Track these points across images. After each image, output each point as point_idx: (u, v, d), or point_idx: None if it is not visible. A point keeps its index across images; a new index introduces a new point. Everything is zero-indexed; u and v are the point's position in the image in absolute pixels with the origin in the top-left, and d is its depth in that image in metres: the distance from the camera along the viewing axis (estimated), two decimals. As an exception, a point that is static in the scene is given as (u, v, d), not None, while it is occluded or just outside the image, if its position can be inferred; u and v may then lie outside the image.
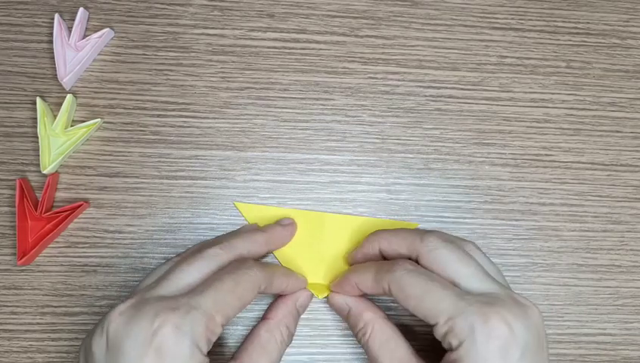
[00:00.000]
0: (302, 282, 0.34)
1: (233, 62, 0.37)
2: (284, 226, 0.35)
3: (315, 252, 0.35)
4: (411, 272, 0.29)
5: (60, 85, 0.36)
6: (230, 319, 0.28)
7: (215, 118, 0.36)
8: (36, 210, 0.34)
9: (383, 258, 0.32)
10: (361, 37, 0.38)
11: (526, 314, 0.28)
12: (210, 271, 0.29)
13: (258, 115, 0.37)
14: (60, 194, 0.35)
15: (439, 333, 0.28)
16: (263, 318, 0.32)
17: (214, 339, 0.28)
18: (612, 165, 0.38)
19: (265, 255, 0.35)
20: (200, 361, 0.26)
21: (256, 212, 0.36)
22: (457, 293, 0.28)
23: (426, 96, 0.38)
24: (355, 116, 0.37)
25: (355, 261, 0.34)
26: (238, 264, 0.30)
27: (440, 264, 0.29)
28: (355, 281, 0.32)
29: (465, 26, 0.38)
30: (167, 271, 0.29)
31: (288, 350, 0.35)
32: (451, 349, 0.27)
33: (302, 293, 0.34)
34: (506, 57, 0.38)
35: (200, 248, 0.31)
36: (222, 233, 0.36)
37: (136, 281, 0.35)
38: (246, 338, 0.31)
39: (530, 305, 0.28)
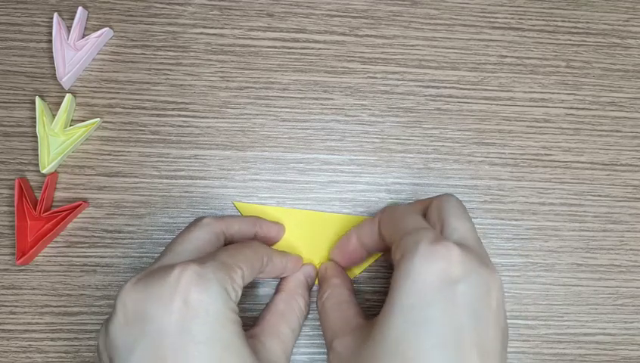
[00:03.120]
0: (299, 260, 0.34)
1: (232, 61, 0.37)
2: (274, 222, 0.35)
3: (313, 250, 0.35)
4: (399, 206, 0.31)
5: (59, 84, 0.36)
6: (246, 278, 0.28)
7: (214, 117, 0.36)
8: (35, 210, 0.34)
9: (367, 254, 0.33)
10: (361, 36, 0.38)
11: (487, 271, 0.26)
12: (207, 239, 0.29)
13: (257, 114, 0.37)
14: (59, 194, 0.35)
15: (392, 251, 0.27)
16: (276, 292, 0.33)
17: (239, 291, 0.27)
18: (612, 164, 0.38)
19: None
20: (232, 308, 0.26)
21: (255, 212, 0.36)
22: (423, 224, 0.28)
23: (425, 96, 0.38)
24: (354, 116, 0.37)
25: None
26: (240, 242, 0.31)
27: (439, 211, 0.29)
28: (355, 234, 0.32)
29: (465, 25, 0.38)
30: (165, 247, 0.29)
31: (288, 350, 0.35)
32: (396, 268, 0.26)
33: (306, 266, 0.34)
34: (506, 56, 0.38)
35: (195, 220, 0.31)
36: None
37: (135, 281, 0.35)
38: (264, 310, 0.32)
39: (494, 271, 0.26)
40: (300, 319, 0.32)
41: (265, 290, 0.35)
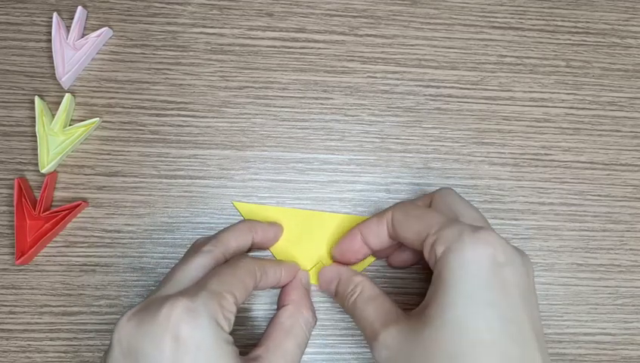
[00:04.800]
0: (295, 268, 0.34)
1: (232, 61, 0.37)
2: (270, 223, 0.35)
3: (312, 250, 0.35)
4: (408, 204, 0.31)
5: (59, 84, 0.35)
6: (239, 301, 0.28)
7: (214, 117, 0.36)
8: (35, 210, 0.34)
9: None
10: (361, 36, 0.38)
11: (520, 253, 0.28)
12: (207, 265, 0.29)
13: (257, 114, 0.37)
14: (58, 194, 0.35)
15: (427, 245, 0.28)
16: (279, 306, 0.32)
17: (232, 318, 0.27)
18: (611, 164, 0.38)
19: (251, 249, 0.35)
20: (224, 339, 0.26)
21: (254, 212, 0.36)
22: (453, 217, 0.29)
23: (425, 95, 0.38)
24: (354, 116, 0.37)
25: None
26: (232, 259, 0.30)
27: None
28: (360, 230, 0.32)
29: (465, 25, 0.38)
30: (166, 275, 0.29)
31: (287, 350, 0.35)
32: (435, 260, 0.27)
33: (302, 274, 0.34)
34: (506, 56, 0.38)
35: (195, 247, 0.31)
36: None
37: (135, 281, 0.35)
38: (269, 328, 0.31)
39: (525, 253, 0.29)
40: (308, 333, 0.31)
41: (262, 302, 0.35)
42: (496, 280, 0.26)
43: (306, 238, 0.35)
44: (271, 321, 0.31)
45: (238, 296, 0.28)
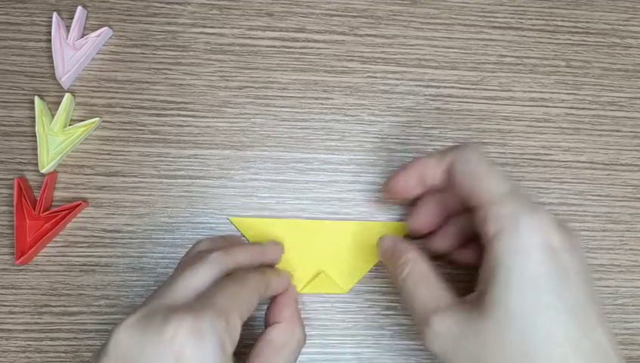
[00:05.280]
0: (289, 278, 0.33)
1: (232, 61, 0.37)
2: (275, 244, 0.34)
3: (312, 260, 0.35)
4: (478, 152, 0.29)
5: (59, 84, 0.35)
6: (244, 319, 0.27)
7: (214, 117, 0.36)
8: (34, 209, 0.34)
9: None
10: (361, 36, 0.38)
11: (573, 235, 0.27)
12: (214, 275, 0.28)
13: (257, 114, 0.37)
14: (58, 194, 0.35)
15: (479, 216, 0.27)
16: (270, 322, 0.31)
17: (237, 335, 0.26)
18: (611, 164, 0.38)
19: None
20: (227, 361, 0.25)
21: (252, 226, 0.35)
22: (514, 187, 0.27)
23: (425, 95, 0.38)
24: (354, 115, 0.37)
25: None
26: (239, 272, 0.29)
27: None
28: (417, 169, 0.31)
29: (465, 25, 0.38)
30: (170, 279, 0.28)
31: (287, 350, 0.35)
32: (487, 240, 0.26)
33: (292, 289, 0.33)
34: (505, 56, 0.38)
35: (200, 253, 0.29)
36: (221, 232, 0.35)
37: (135, 281, 0.35)
38: (258, 343, 0.29)
39: (572, 230, 0.28)
40: (298, 352, 0.30)
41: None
42: (557, 268, 0.25)
43: (306, 248, 0.35)
44: (262, 337, 0.30)
45: (245, 314, 0.27)
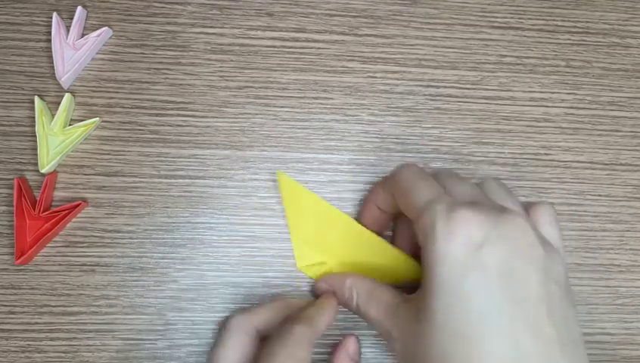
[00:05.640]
0: (335, 306, 0.33)
1: (232, 61, 0.37)
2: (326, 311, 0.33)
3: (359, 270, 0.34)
4: (410, 168, 0.30)
5: (59, 83, 0.35)
6: None
7: (213, 117, 0.36)
8: (34, 209, 0.34)
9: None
10: (361, 36, 0.38)
11: (501, 219, 0.26)
12: (305, 357, 0.28)
13: (257, 114, 0.37)
14: (58, 194, 0.35)
15: (415, 231, 0.28)
16: None
17: None
18: (611, 164, 0.38)
19: None
20: None
21: (293, 191, 0.34)
22: (437, 193, 0.28)
23: (425, 95, 0.38)
24: (354, 115, 0.37)
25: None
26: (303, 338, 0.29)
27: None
28: (371, 202, 0.33)
29: (464, 25, 0.38)
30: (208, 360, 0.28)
31: (287, 350, 0.35)
32: (423, 249, 0.27)
33: (351, 342, 0.33)
34: (505, 56, 0.38)
35: (285, 330, 0.29)
36: (221, 233, 0.36)
37: (135, 281, 0.35)
38: None
39: (513, 215, 0.27)
40: None
41: (264, 290, 0.35)
42: (472, 266, 0.25)
43: (357, 257, 0.34)
44: None
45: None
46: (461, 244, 0.26)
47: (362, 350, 0.35)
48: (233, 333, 0.29)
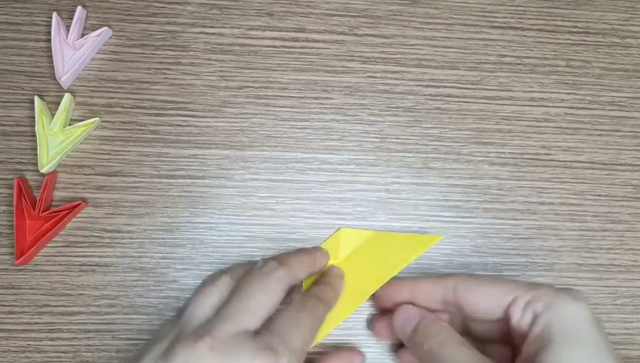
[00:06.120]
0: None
1: (232, 61, 0.37)
2: (322, 252, 0.35)
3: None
4: (474, 274, 0.32)
5: (58, 83, 0.35)
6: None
7: (213, 117, 0.36)
8: (34, 209, 0.34)
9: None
10: (361, 36, 0.38)
11: (582, 300, 0.29)
12: (282, 294, 0.29)
13: (257, 114, 0.37)
14: (58, 193, 0.35)
15: (518, 306, 0.29)
16: None
17: None
18: (611, 164, 0.38)
19: None
20: None
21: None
22: (526, 283, 0.30)
23: (425, 95, 0.38)
24: (354, 115, 0.37)
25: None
26: (308, 300, 0.31)
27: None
28: (410, 287, 0.32)
29: (464, 25, 0.38)
30: (241, 296, 0.29)
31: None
32: (533, 317, 0.29)
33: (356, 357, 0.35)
34: (505, 56, 0.38)
35: (262, 268, 0.30)
36: (221, 233, 0.36)
37: (135, 280, 0.35)
38: None
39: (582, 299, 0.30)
40: None
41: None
42: (599, 334, 0.28)
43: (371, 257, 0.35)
44: None
45: (308, 348, 0.29)
46: (588, 311, 0.28)
47: (362, 350, 0.35)
48: (278, 284, 0.29)
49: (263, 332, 0.28)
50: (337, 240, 0.36)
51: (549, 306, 0.28)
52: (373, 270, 0.34)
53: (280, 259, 0.31)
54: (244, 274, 0.30)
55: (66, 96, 0.35)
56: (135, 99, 0.36)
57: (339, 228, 0.36)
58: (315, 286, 0.33)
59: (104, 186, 0.36)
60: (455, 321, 0.32)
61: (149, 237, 0.35)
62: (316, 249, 0.35)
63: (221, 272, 0.31)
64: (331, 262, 0.35)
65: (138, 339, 0.35)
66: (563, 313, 0.28)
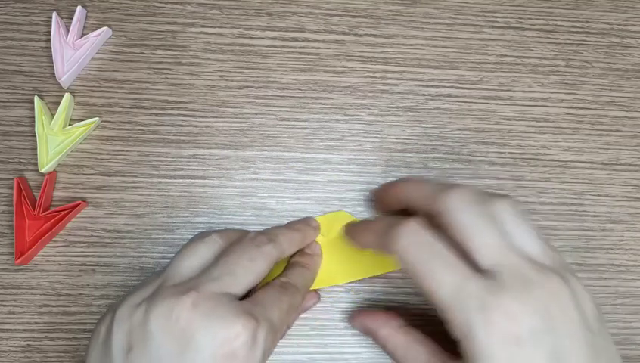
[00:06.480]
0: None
1: (231, 61, 0.37)
2: (313, 226, 0.35)
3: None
4: (415, 245, 0.26)
5: (58, 83, 0.35)
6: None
7: (213, 117, 0.36)
8: (34, 209, 0.34)
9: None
10: (360, 36, 0.38)
11: (534, 296, 0.24)
12: (269, 267, 0.30)
13: (256, 114, 0.37)
14: (57, 193, 0.35)
15: (441, 317, 0.25)
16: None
17: (274, 349, 0.29)
18: (611, 164, 0.38)
19: None
20: None
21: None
22: (460, 278, 0.25)
23: (425, 95, 0.38)
24: (354, 115, 0.37)
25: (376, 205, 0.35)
26: (287, 287, 0.31)
27: (455, 228, 0.26)
28: (361, 242, 0.32)
29: (464, 24, 0.38)
30: (229, 261, 0.29)
31: (287, 350, 0.35)
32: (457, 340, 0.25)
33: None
34: (505, 55, 0.38)
35: (255, 240, 0.30)
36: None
37: (134, 280, 0.35)
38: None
39: (544, 280, 0.25)
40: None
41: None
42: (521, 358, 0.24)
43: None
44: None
45: (282, 330, 0.29)
46: (505, 337, 0.24)
47: (362, 350, 0.35)
48: (266, 258, 0.30)
49: (246, 300, 0.28)
50: (334, 219, 0.35)
51: (468, 331, 0.24)
52: (356, 260, 0.35)
53: (271, 234, 0.31)
54: (236, 240, 0.30)
55: (66, 96, 0.35)
56: (135, 99, 0.36)
57: (340, 210, 0.36)
58: (296, 270, 0.33)
59: (104, 186, 0.36)
60: None
61: (149, 237, 0.35)
62: (307, 223, 0.35)
63: (212, 232, 0.31)
64: (320, 238, 0.35)
65: (137, 339, 0.35)
66: (484, 343, 0.24)
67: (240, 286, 0.28)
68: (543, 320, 0.24)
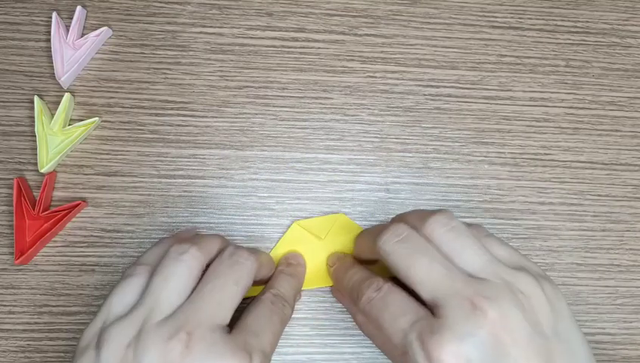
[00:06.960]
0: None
1: (231, 61, 0.37)
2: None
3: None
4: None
5: (58, 83, 0.35)
6: None
7: (213, 117, 0.36)
8: (34, 209, 0.34)
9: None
10: (360, 36, 0.38)
11: (478, 325, 0.24)
12: (249, 287, 0.29)
13: (256, 114, 0.37)
14: (57, 193, 0.35)
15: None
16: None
17: None
18: (611, 164, 0.38)
19: None
20: None
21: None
22: (410, 319, 0.26)
23: (425, 95, 0.38)
24: (354, 115, 0.37)
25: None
26: (277, 302, 0.31)
27: (395, 271, 0.27)
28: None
29: (464, 24, 0.38)
30: (214, 285, 0.27)
31: (287, 350, 0.35)
32: None
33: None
34: (505, 55, 0.38)
35: (234, 256, 0.29)
36: (220, 233, 0.35)
37: (134, 281, 0.35)
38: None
39: (489, 303, 0.24)
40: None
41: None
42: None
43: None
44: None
45: (274, 350, 0.29)
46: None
47: (362, 350, 0.35)
48: (246, 279, 0.29)
49: (237, 329, 0.27)
50: (332, 221, 0.36)
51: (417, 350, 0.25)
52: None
53: (241, 250, 0.30)
54: (216, 257, 0.29)
55: (66, 96, 0.35)
56: (135, 99, 0.36)
57: (340, 213, 0.36)
58: (284, 279, 0.32)
59: (104, 186, 0.36)
60: None
61: (149, 237, 0.35)
62: (265, 257, 0.34)
63: (189, 245, 0.28)
64: (317, 239, 0.35)
65: (137, 339, 0.35)
66: None
67: (228, 312, 0.27)
68: (487, 351, 0.24)
